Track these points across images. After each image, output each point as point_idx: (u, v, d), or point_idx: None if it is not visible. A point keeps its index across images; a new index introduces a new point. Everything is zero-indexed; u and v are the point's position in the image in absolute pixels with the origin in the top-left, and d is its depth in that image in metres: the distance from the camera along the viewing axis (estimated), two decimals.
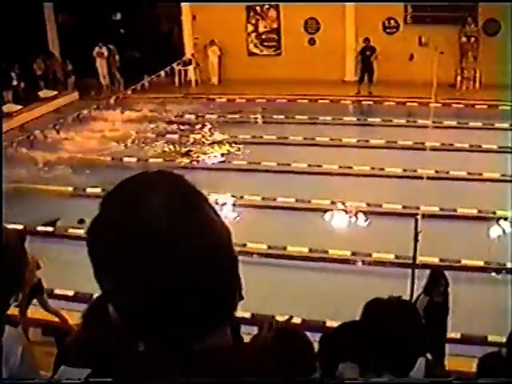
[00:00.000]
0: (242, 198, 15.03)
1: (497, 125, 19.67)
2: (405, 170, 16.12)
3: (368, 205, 14.30)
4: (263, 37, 27.27)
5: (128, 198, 1.33)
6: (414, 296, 9.02)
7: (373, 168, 16.57)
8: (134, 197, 1.32)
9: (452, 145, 17.98)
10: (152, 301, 1.28)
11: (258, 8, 27.01)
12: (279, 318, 7.50)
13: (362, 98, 23.83)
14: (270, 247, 12.72)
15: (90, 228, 1.36)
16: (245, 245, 12.30)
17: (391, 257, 12.08)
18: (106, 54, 27.02)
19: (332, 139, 18.81)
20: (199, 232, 1.30)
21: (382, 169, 16.42)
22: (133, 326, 1.35)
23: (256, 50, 27.47)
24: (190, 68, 27.39)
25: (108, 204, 1.35)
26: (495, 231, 13.17)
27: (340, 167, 16.68)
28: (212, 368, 1.31)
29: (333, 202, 14.58)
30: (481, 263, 11.87)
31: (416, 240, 9.66)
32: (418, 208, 12.68)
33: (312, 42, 26.41)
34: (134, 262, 1.27)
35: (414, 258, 9.91)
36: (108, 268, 1.31)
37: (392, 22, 25.58)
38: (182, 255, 1.26)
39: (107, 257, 1.31)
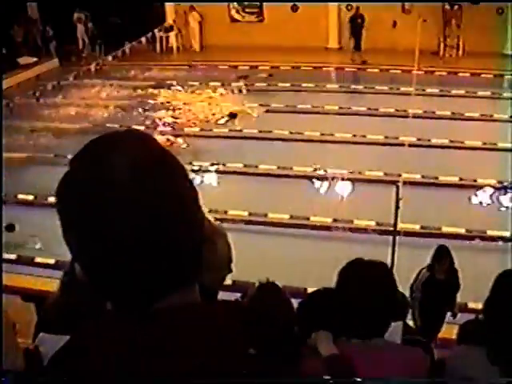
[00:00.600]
0: (224, 165, 14.99)
1: (479, 93, 19.68)
2: (387, 137, 16.12)
3: (350, 172, 14.31)
4: (245, 3, 27.01)
5: (91, 157, 1.32)
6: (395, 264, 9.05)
7: (355, 135, 16.55)
8: (98, 156, 1.31)
9: (434, 112, 17.98)
10: (113, 259, 1.27)
11: None
12: None
13: (346, 66, 23.70)
14: (251, 214, 12.72)
15: (57, 188, 1.35)
16: (226, 212, 12.33)
17: (372, 224, 12.11)
18: (83, 19, 26.69)
19: (314, 106, 18.76)
20: (161, 192, 1.28)
21: (364, 136, 16.41)
22: (97, 286, 1.35)
23: (238, 17, 27.22)
24: (172, 34, 27.13)
25: (73, 164, 1.34)
26: (477, 199, 13.26)
27: (322, 134, 16.66)
28: (174, 325, 1.31)
29: (314, 170, 14.58)
30: (462, 231, 11.92)
31: (397, 207, 9.68)
32: (399, 175, 12.67)
33: (295, 8, 26.16)
34: (95, 221, 1.26)
35: (395, 225, 9.94)
36: (72, 228, 1.31)
37: None
38: (142, 214, 1.25)
39: (71, 216, 1.31)
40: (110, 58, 25.13)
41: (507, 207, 13.06)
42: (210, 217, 2.74)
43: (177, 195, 1.31)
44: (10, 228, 12.11)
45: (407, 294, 8.29)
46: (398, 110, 17.90)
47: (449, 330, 8.25)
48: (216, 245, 3.73)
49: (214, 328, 1.34)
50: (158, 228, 1.27)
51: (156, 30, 26.85)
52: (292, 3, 26.07)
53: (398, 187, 9.82)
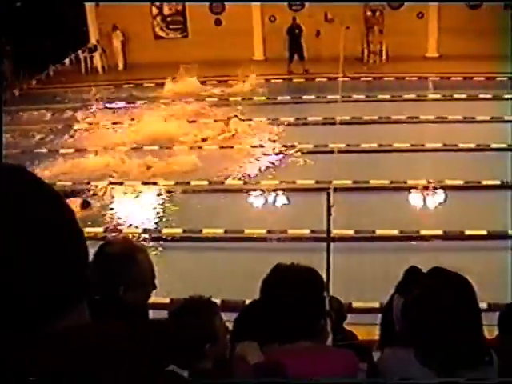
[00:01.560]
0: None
1: (405, 96, 19.96)
2: (316, 146, 16.15)
3: (281, 182, 14.29)
4: (169, 19, 26.92)
5: None
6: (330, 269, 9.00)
7: (284, 146, 16.57)
8: None
9: (361, 118, 18.11)
10: None
11: None
12: None
13: (293, 77, 23.59)
14: (185, 231, 12.56)
15: None
16: (160, 230, 12.22)
17: (307, 232, 12.07)
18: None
19: (246, 119, 18.71)
20: (30, 218, 1.25)
21: (293, 145, 16.42)
22: None
23: (162, 34, 27.12)
24: (96, 54, 26.82)
25: None
26: (409, 200, 13.40)
27: (253, 146, 16.68)
28: (61, 347, 1.23)
29: (245, 183, 14.55)
30: (395, 232, 11.98)
31: (329, 214, 9.65)
32: (330, 182, 12.68)
33: (218, 22, 26.19)
34: None
35: (328, 231, 9.90)
36: None
37: None
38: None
39: None
40: (34, 81, 24.66)
41: (437, 207, 13.26)
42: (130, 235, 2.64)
43: (46, 220, 1.27)
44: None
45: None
46: (326, 118, 17.99)
47: None
48: (136, 261, 3.60)
49: (100, 350, 1.25)
50: (31, 247, 1.22)
51: (80, 51, 26.50)
52: (216, 17, 26.11)
53: (328, 194, 9.79)
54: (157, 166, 15.61)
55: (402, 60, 23.19)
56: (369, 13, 24.49)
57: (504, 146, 15.72)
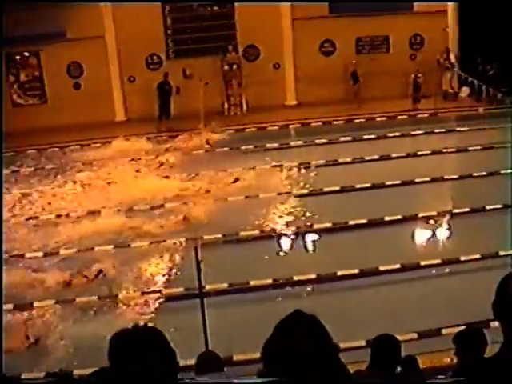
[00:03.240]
0: None
1: (268, 145, 20.36)
2: (185, 203, 16.16)
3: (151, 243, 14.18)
4: (26, 86, 26.39)
5: None
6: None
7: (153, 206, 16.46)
8: None
9: (226, 170, 18.28)
10: None
11: (17, 57, 26.11)
12: None
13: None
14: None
15: None
16: None
17: (181, 290, 11.98)
18: None
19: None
20: None
21: (163, 205, 16.34)
22: None
23: (21, 101, 26.49)
24: None
25: None
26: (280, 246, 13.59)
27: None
28: None
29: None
30: (269, 281, 12.05)
31: (199, 269, 9.64)
32: (196, 238, 12.71)
33: (77, 86, 25.91)
34: None
35: (200, 287, 9.87)
36: None
37: (155, 57, 25.72)
38: None
39: None
40: None
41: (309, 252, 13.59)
42: None
43: None
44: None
45: None
46: (190, 174, 18.13)
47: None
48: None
49: None
50: None
51: None
52: (74, 81, 25.82)
53: (196, 249, 9.79)
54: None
55: (262, 110, 23.71)
56: (226, 67, 24.89)
57: (367, 185, 16.33)
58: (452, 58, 25.63)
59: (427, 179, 16.63)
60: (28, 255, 14.05)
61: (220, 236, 13.96)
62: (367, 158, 18.60)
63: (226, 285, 11.86)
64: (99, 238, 14.41)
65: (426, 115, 23.44)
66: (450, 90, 25.97)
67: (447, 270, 12.17)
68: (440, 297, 11.07)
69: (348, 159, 18.64)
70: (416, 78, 24.81)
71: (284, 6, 25.25)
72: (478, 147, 19.22)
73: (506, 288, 3.10)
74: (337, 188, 16.48)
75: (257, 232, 14.23)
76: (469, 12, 25.74)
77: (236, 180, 17.53)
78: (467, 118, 22.94)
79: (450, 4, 26.07)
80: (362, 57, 26.13)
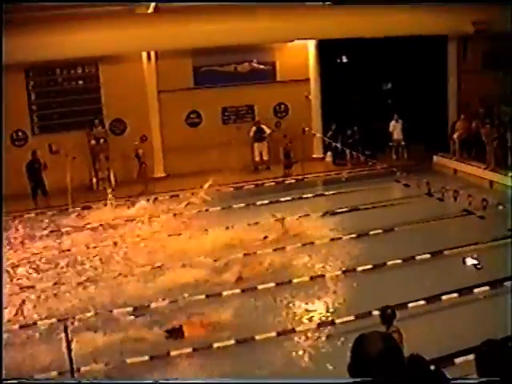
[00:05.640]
0: None
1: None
2: (55, 284, 15.72)
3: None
4: None
5: None
6: None
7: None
8: None
9: (96, 247, 18.01)
10: None
11: None
12: None
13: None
14: None
15: None
16: None
17: (54, 374, 11.52)
18: None
19: None
20: None
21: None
22: None
23: None
24: None
25: None
26: None
27: None
28: None
29: None
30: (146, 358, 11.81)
31: (69, 350, 9.37)
32: (67, 318, 12.38)
33: None
34: None
35: (72, 369, 9.58)
36: None
37: (20, 133, 25.10)
38: None
39: None
40: None
41: None
42: None
43: None
44: None
45: None
46: (63, 251, 17.76)
47: None
48: None
49: None
50: None
51: None
52: None
53: (66, 328, 9.53)
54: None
55: (131, 183, 23.65)
56: (93, 141, 24.65)
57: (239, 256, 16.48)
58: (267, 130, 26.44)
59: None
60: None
61: None
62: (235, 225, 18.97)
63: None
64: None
65: (293, 181, 24.02)
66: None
67: None
68: None
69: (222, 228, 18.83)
70: (286, 145, 25.55)
71: (149, 79, 25.44)
72: (345, 209, 19.93)
73: (361, 349, 3.18)
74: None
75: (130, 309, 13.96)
76: (329, 81, 26.93)
77: None
78: (332, 182, 23.79)
79: (312, 72, 27.10)
80: (228, 126, 26.69)
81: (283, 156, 25.82)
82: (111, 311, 13.58)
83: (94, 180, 24.60)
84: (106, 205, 21.42)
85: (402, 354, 3.27)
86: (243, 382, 3.28)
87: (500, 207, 18.35)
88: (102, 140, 24.74)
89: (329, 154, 27.20)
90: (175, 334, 12.43)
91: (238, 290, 14.53)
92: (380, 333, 3.41)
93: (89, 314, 13.31)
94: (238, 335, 12.14)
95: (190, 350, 11.85)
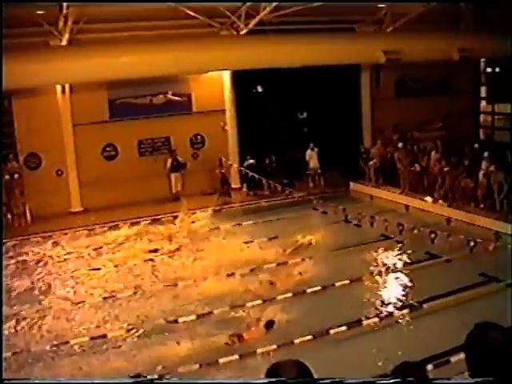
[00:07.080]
0: None
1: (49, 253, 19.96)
2: None
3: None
4: None
5: None
6: None
7: None
8: None
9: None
10: None
11: None
12: None
13: None
14: None
15: None
16: None
17: None
18: None
19: None
20: None
21: None
22: None
23: None
24: None
25: None
26: None
27: None
28: None
29: None
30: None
31: None
32: None
33: None
34: None
35: None
36: None
37: None
38: None
39: None
40: None
41: None
42: None
43: None
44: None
45: None
46: None
47: None
48: None
49: None
50: None
51: None
52: None
53: None
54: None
55: (47, 218, 23.22)
56: (7, 176, 24.05)
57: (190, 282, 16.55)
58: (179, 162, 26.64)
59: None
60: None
61: None
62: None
63: None
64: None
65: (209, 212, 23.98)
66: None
67: None
68: None
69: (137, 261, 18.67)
70: (222, 173, 25.93)
71: (64, 112, 25.10)
72: (265, 239, 19.98)
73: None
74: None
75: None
76: (245, 111, 27.19)
77: None
78: (250, 212, 23.88)
79: (228, 103, 27.30)
80: (144, 158, 26.59)
81: (220, 184, 25.96)
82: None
83: (9, 216, 23.98)
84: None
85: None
86: (243, 382, 3.18)
87: (415, 231, 18.75)
88: (16, 175, 24.16)
89: (245, 184, 27.30)
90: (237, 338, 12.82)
91: None
92: (294, 361, 3.28)
93: None
94: None
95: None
